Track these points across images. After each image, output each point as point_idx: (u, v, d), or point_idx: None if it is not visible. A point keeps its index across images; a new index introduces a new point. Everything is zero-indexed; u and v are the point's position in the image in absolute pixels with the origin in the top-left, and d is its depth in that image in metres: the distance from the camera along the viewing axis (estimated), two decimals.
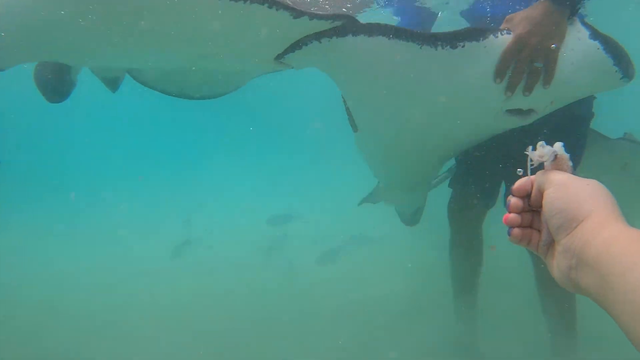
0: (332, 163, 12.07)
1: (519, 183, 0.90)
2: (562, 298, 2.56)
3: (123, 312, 4.19)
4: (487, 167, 2.76)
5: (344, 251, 5.34)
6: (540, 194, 0.86)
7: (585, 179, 0.82)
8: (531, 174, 0.90)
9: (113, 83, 3.27)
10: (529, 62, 1.89)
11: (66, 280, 5.00)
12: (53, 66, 2.87)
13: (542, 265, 2.49)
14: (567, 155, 0.87)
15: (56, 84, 2.94)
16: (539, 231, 0.89)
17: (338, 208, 7.79)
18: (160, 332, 3.74)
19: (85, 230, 7.26)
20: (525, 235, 0.89)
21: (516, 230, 0.89)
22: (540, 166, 0.89)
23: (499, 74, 1.92)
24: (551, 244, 0.85)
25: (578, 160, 2.52)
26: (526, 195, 0.90)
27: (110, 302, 4.39)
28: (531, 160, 0.88)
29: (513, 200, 0.90)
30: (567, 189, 0.81)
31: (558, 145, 0.87)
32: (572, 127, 2.51)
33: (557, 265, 0.81)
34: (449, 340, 3.15)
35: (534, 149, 0.88)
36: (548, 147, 0.87)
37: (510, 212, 0.90)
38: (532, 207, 0.90)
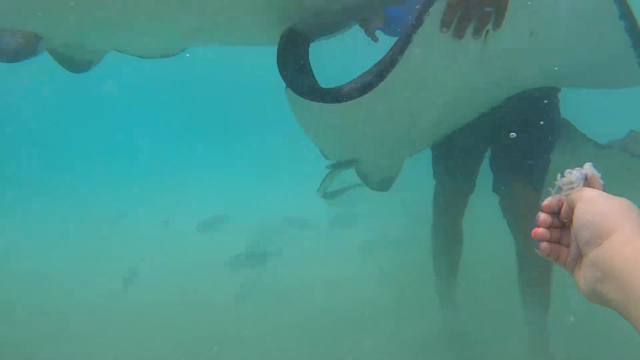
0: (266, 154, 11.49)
1: (547, 201, 0.95)
2: (539, 274, 2.67)
3: (84, 313, 4.03)
4: (461, 154, 2.82)
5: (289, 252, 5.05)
6: (571, 209, 0.90)
7: (616, 196, 0.86)
8: (556, 193, 0.94)
9: (83, 65, 3.04)
10: (478, 7, 1.67)
11: (25, 278, 4.74)
12: None
13: (524, 239, 2.61)
14: (598, 174, 0.90)
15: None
16: (567, 247, 0.93)
17: (275, 203, 7.15)
18: (115, 335, 3.62)
19: (50, 226, 6.72)
20: (554, 250, 0.94)
21: (544, 244, 0.93)
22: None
23: (445, 24, 1.70)
24: (579, 258, 0.89)
25: (551, 147, 2.59)
26: (554, 212, 0.94)
27: (73, 303, 4.22)
28: (559, 189, 0.92)
29: (542, 216, 0.94)
30: (597, 205, 0.85)
31: (588, 166, 0.91)
32: (540, 112, 2.54)
33: (584, 277, 0.86)
34: (437, 333, 3.22)
35: (562, 176, 0.92)
36: (576, 172, 0.91)
37: (539, 227, 0.94)
38: (562, 221, 0.94)
